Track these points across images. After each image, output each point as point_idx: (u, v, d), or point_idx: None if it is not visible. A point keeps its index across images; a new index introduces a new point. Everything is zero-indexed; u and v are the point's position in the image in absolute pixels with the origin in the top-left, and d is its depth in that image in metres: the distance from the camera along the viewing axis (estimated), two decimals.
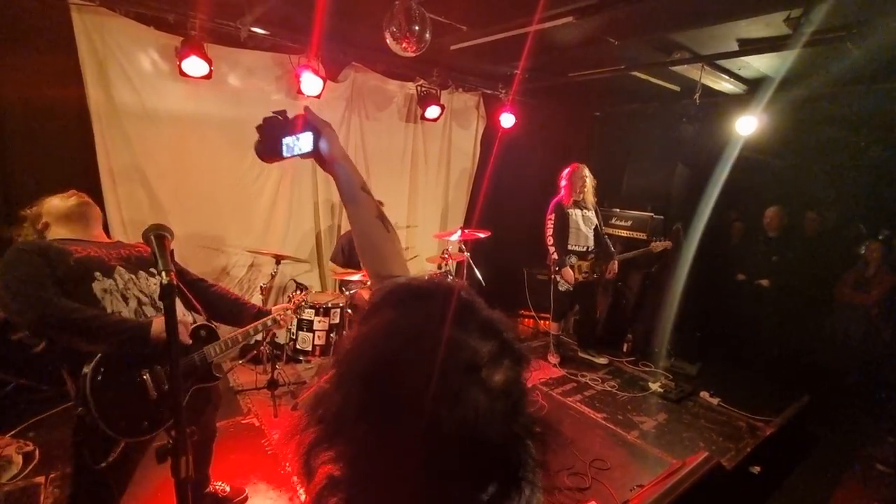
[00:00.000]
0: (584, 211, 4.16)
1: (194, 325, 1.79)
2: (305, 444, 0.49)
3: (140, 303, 1.68)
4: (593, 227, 4.20)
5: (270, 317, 2.03)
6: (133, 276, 1.70)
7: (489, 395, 0.46)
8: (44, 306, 1.43)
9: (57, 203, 1.77)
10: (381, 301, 0.55)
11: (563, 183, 4.13)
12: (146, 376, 1.57)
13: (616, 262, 4.23)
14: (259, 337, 2.09)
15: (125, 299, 1.64)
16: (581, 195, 4.10)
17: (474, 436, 0.44)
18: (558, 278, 4.18)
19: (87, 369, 1.47)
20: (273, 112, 0.84)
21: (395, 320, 0.52)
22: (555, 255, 4.08)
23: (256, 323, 1.99)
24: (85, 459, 1.52)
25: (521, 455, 0.49)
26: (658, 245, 4.29)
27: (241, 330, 1.95)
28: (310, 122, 0.87)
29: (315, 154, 0.90)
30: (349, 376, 0.50)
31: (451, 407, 0.44)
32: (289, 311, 2.14)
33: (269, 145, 0.83)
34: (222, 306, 2.00)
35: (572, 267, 4.13)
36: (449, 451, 0.44)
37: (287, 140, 0.84)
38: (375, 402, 0.47)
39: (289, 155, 0.85)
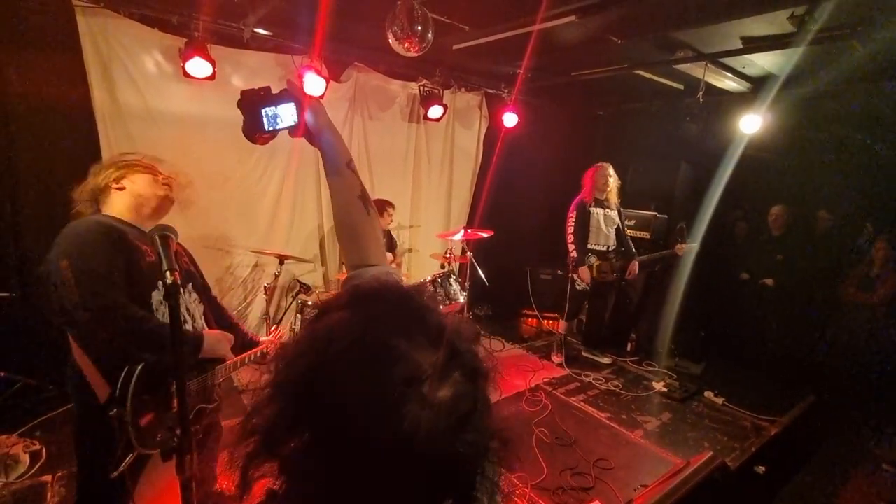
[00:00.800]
0: (607, 210, 4.12)
1: None
2: (243, 456, 0.47)
3: (183, 319, 1.55)
4: (615, 226, 4.16)
5: (260, 349, 1.89)
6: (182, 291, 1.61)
7: (432, 410, 0.42)
8: (113, 309, 1.30)
9: (148, 185, 1.57)
10: (336, 299, 0.52)
11: (586, 181, 4.12)
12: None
13: (637, 264, 4.16)
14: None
15: None
16: (604, 194, 4.08)
17: (414, 451, 0.41)
18: (575, 277, 4.15)
19: (133, 368, 1.34)
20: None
21: (338, 323, 0.48)
22: (574, 254, 4.06)
23: (249, 353, 1.85)
24: (95, 467, 1.43)
25: (472, 472, 0.46)
26: (682, 248, 4.19)
27: (238, 357, 1.80)
28: (290, 93, 0.82)
29: (301, 128, 0.85)
30: (284, 383, 0.47)
31: (388, 421, 0.41)
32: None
33: (250, 122, 0.80)
34: (224, 324, 1.88)
35: (591, 267, 4.10)
36: (388, 467, 0.42)
37: (267, 110, 0.80)
38: (310, 412, 0.44)
39: (272, 128, 0.81)
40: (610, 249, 4.15)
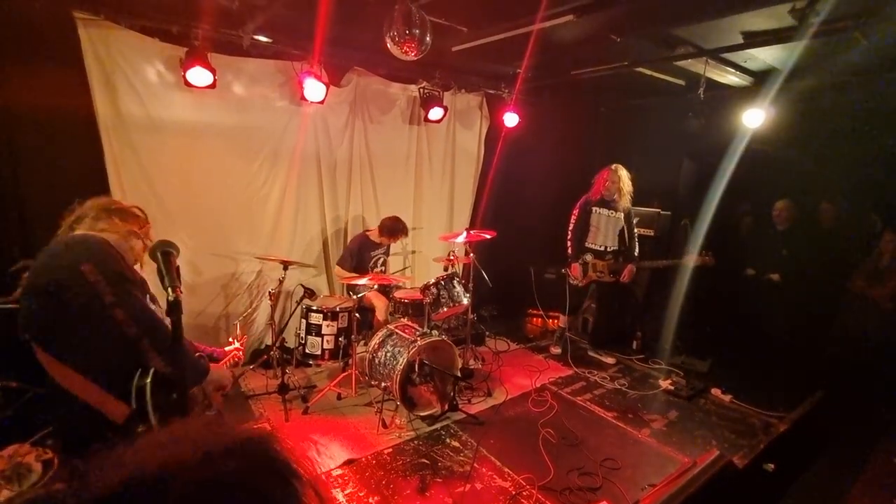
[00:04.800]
0: (612, 212, 4.13)
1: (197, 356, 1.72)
2: None
3: None
4: (619, 229, 4.15)
5: (229, 359, 1.95)
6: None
7: None
8: (143, 309, 1.32)
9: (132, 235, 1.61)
10: None
11: (595, 180, 4.15)
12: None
13: (633, 267, 4.13)
14: None
15: None
16: (612, 195, 4.08)
17: None
18: (568, 273, 4.25)
19: (143, 381, 1.33)
20: None
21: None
22: (569, 250, 4.16)
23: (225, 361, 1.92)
24: None
25: None
26: (698, 259, 4.06)
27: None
28: None
29: None
30: None
31: None
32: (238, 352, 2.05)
33: None
34: None
35: (586, 265, 4.15)
36: None
37: None
38: None
39: None
40: (608, 250, 4.16)
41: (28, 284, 1.38)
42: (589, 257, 4.14)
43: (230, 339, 2.10)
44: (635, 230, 4.24)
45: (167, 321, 1.50)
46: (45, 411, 1.41)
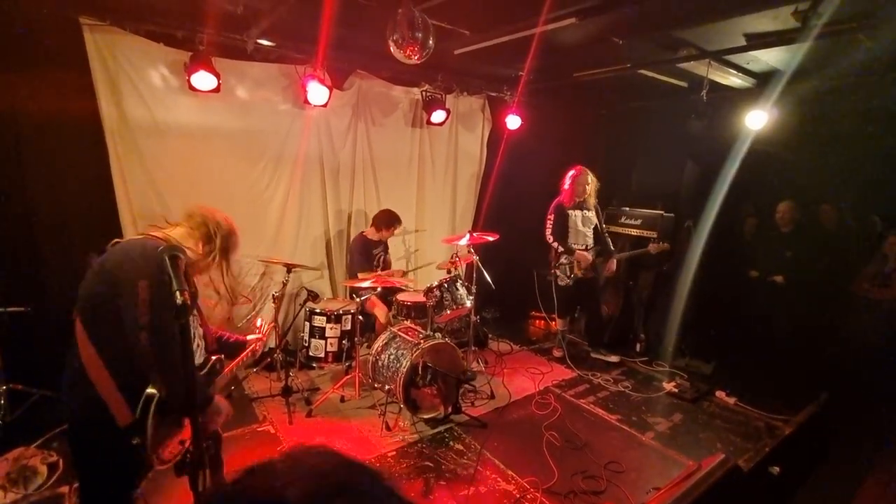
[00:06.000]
0: (585, 211, 4.27)
1: (214, 360, 1.75)
2: None
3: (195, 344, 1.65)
4: (592, 226, 4.30)
5: (248, 352, 1.97)
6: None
7: None
8: (171, 342, 1.29)
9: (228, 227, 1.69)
10: None
11: (566, 185, 4.24)
12: None
13: (615, 261, 4.34)
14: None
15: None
16: (583, 197, 4.20)
17: None
18: (557, 272, 4.32)
19: (152, 395, 1.36)
20: None
21: None
22: (560, 249, 4.23)
23: (240, 359, 1.94)
24: (104, 482, 1.48)
25: None
26: (655, 247, 4.38)
27: (232, 364, 1.89)
28: None
29: None
30: None
31: None
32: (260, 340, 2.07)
33: None
34: (212, 341, 1.92)
35: (571, 264, 4.25)
36: None
37: None
38: None
39: None
40: (588, 248, 4.27)
41: (100, 264, 1.43)
42: (572, 257, 4.24)
43: (257, 326, 2.14)
44: (604, 224, 4.42)
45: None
46: (64, 394, 1.44)
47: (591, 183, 4.20)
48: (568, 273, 4.28)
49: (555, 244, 4.24)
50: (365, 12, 2.82)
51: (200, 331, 1.72)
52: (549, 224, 4.25)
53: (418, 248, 4.93)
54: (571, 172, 4.21)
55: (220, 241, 1.64)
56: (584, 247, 4.25)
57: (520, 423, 3.32)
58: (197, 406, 1.35)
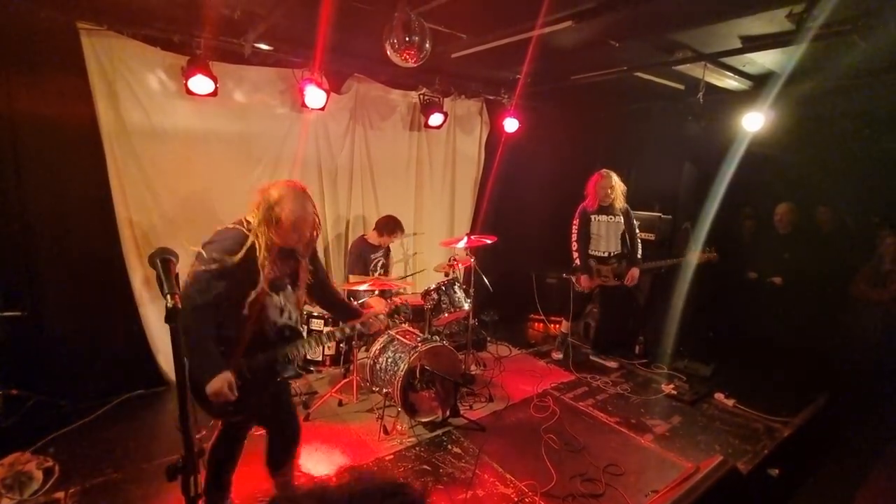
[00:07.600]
0: (611, 217, 4.14)
1: (280, 325, 1.96)
2: None
3: (281, 312, 1.97)
4: (619, 232, 4.17)
5: (359, 321, 2.20)
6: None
7: None
8: (192, 307, 1.58)
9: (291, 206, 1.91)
10: None
11: (588, 190, 4.16)
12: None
13: (637, 270, 4.12)
14: (344, 333, 2.33)
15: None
16: (608, 201, 4.10)
17: None
18: (574, 279, 4.25)
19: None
20: None
21: None
22: (577, 261, 4.17)
23: (344, 326, 2.22)
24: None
25: None
26: (701, 256, 4.18)
27: (329, 329, 2.17)
28: None
29: None
30: None
31: None
32: (380, 317, 2.27)
33: None
34: (335, 304, 2.31)
35: (590, 270, 4.16)
36: None
37: None
38: None
39: None
40: (612, 255, 4.16)
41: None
42: (593, 264, 4.16)
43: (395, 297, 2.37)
44: (636, 230, 4.23)
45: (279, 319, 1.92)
46: None
47: (616, 186, 4.07)
48: (590, 282, 4.19)
49: (574, 254, 4.15)
50: (362, 16, 2.83)
51: (293, 299, 2.01)
52: (574, 230, 4.17)
53: (417, 252, 4.93)
54: (594, 176, 4.12)
55: (262, 213, 1.87)
56: (605, 254, 4.15)
57: (518, 426, 3.31)
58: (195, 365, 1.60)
